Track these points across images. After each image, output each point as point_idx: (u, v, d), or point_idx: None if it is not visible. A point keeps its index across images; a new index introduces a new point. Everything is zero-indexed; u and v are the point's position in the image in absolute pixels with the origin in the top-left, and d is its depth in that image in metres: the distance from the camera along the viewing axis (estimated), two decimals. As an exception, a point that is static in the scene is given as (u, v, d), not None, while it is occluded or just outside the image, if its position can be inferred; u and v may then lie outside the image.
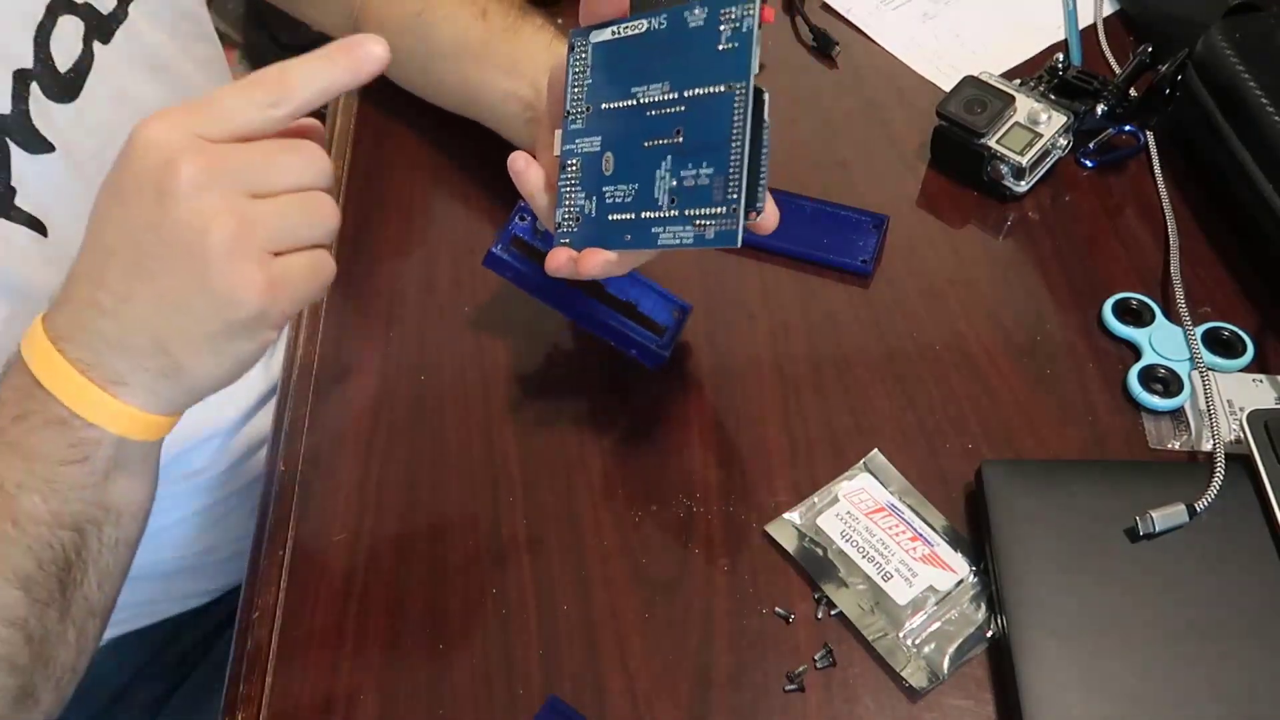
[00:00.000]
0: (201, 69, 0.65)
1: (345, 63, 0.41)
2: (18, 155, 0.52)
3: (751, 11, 0.43)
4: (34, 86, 0.53)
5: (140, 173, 0.38)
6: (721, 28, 0.44)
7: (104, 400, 0.41)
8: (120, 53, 0.58)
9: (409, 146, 0.75)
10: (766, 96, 0.44)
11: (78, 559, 0.44)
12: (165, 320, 0.40)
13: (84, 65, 0.56)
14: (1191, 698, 0.47)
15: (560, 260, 0.49)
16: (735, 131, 0.43)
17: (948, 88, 0.70)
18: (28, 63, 0.53)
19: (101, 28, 0.57)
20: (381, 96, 0.78)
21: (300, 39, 1.58)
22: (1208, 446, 0.56)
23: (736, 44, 0.43)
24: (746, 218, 0.43)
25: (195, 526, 0.71)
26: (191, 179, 0.38)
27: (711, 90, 0.44)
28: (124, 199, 0.39)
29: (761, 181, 0.44)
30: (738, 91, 0.43)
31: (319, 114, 0.81)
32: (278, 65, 0.41)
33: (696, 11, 0.45)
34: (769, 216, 0.45)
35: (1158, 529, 0.51)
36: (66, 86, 0.55)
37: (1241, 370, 0.60)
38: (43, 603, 0.43)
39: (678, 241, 0.45)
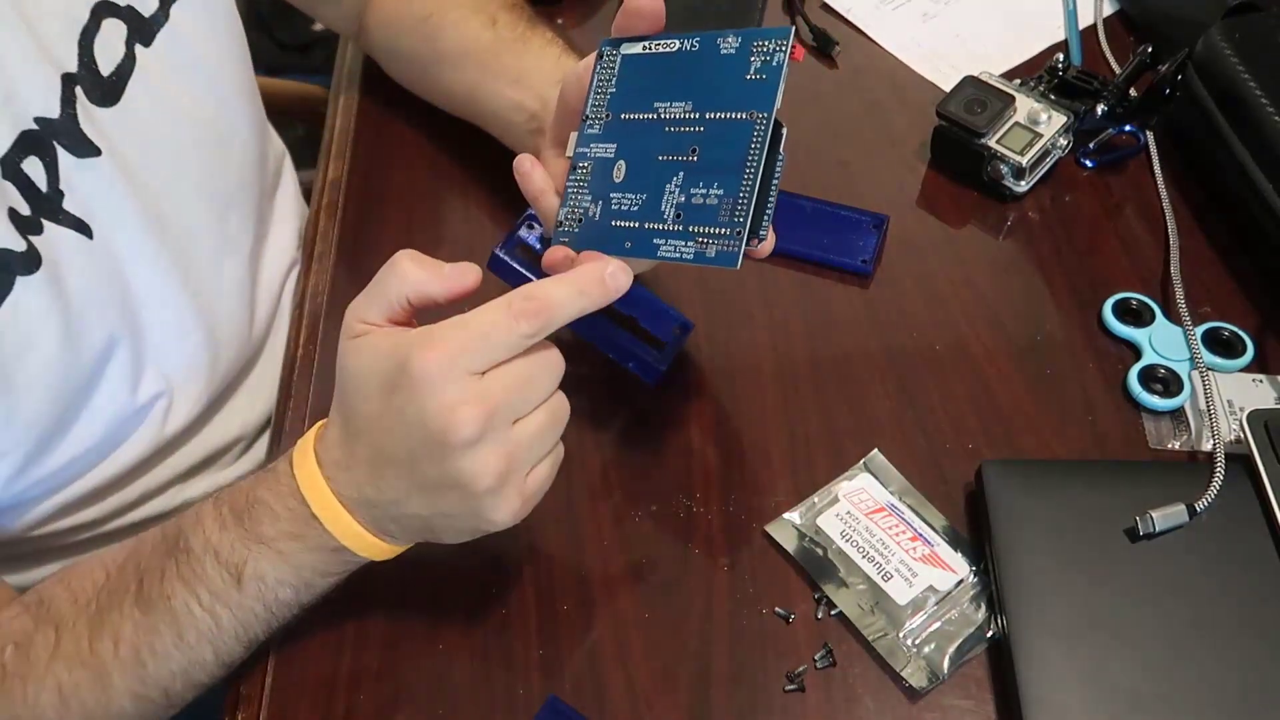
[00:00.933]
0: (231, 71, 0.65)
1: (597, 293, 0.45)
2: (65, 159, 0.53)
3: (784, 47, 0.44)
4: (78, 90, 0.53)
5: (420, 413, 0.42)
6: (752, 59, 0.45)
7: (375, 544, 0.47)
8: (160, 56, 0.58)
9: (409, 146, 0.75)
10: (785, 131, 0.45)
11: (287, 620, 0.51)
12: (434, 520, 0.46)
13: (126, 69, 0.56)
14: (1191, 698, 0.47)
15: (557, 257, 0.50)
16: (751, 158, 0.44)
17: (948, 88, 0.70)
18: (72, 66, 0.53)
19: (143, 30, 0.57)
20: (382, 96, 0.78)
21: (300, 39, 1.58)
22: (1208, 446, 0.56)
23: (765, 75, 0.44)
24: (748, 243, 0.44)
25: None
26: (468, 437, 0.42)
27: (733, 116, 0.45)
28: (401, 427, 0.44)
29: (768, 211, 0.45)
30: (759, 121, 0.44)
31: (319, 114, 0.81)
32: (534, 295, 0.44)
33: (730, 39, 0.46)
34: (767, 244, 0.47)
35: (1158, 529, 0.51)
36: (109, 90, 0.55)
37: (1241, 370, 0.60)
38: (249, 649, 0.50)
39: (678, 255, 0.46)
